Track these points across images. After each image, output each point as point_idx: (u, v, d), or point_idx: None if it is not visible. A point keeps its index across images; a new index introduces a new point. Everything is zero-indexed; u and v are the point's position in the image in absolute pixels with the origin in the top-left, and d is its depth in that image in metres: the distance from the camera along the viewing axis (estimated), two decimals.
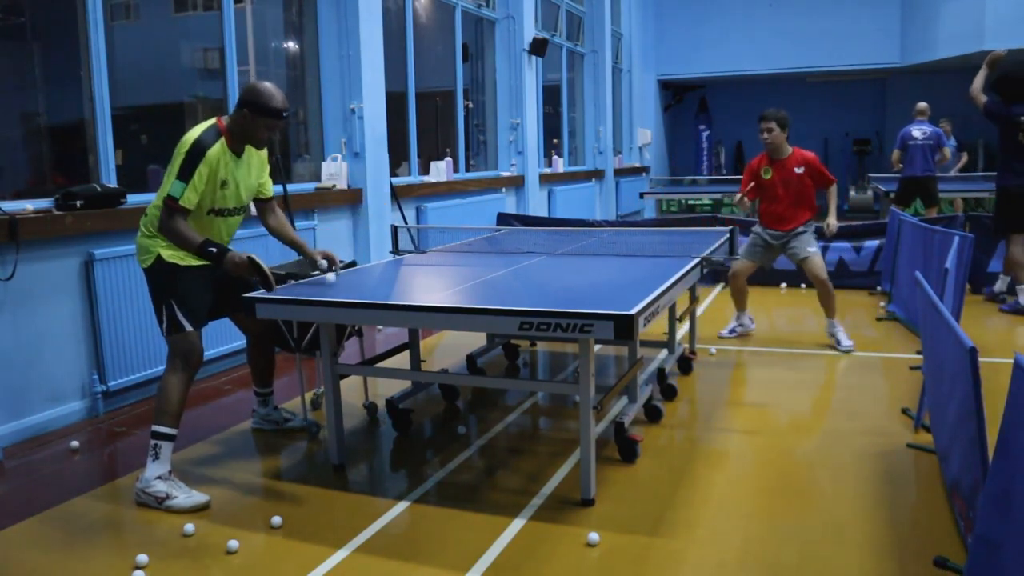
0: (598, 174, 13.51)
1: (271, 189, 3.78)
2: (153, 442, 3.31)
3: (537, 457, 3.77)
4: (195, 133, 3.34)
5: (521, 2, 9.83)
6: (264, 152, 3.67)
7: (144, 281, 3.52)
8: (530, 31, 10.05)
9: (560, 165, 11.85)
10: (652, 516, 3.10)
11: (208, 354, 3.67)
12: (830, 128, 18.03)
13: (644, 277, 3.69)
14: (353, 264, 4.33)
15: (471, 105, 10.13)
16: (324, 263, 3.73)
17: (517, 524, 3.04)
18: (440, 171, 8.41)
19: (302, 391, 4.32)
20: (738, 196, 5.67)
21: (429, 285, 3.91)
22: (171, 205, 3.28)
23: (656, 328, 4.87)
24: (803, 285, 7.74)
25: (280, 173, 5.12)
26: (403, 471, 3.74)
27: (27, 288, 4.10)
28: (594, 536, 2.87)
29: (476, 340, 5.48)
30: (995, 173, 6.70)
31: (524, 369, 5.42)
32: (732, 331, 6.01)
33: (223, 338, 5.06)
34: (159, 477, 3.28)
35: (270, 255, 4.10)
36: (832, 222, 5.64)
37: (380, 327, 6.16)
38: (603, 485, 3.35)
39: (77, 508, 3.31)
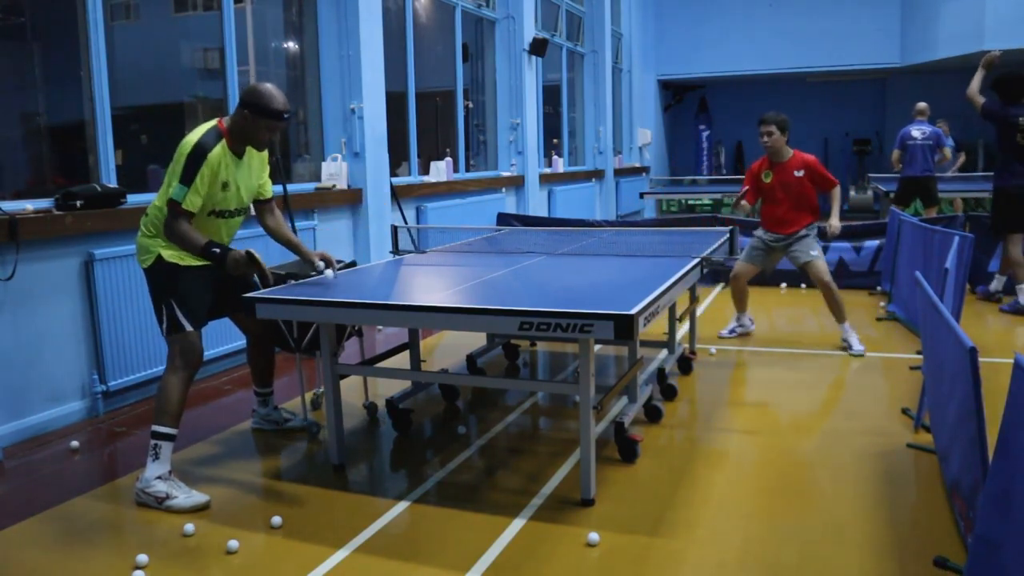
0: (598, 174, 13.51)
1: (270, 190, 3.78)
2: (153, 442, 3.31)
3: (537, 457, 3.77)
4: (196, 135, 3.33)
5: (521, 2, 9.83)
6: (264, 152, 3.67)
7: (144, 281, 3.52)
8: (530, 31, 10.05)
9: (560, 165, 11.85)
10: (652, 516, 3.10)
11: (208, 354, 3.67)
12: (830, 128, 18.03)
13: (644, 277, 3.69)
14: (353, 264, 4.33)
15: (471, 105, 10.13)
16: (321, 264, 3.73)
17: (517, 524, 3.04)
18: (440, 171, 8.41)
19: (302, 391, 4.32)
20: (736, 198, 5.67)
21: (429, 285, 3.91)
22: (174, 209, 3.29)
23: (656, 328, 4.87)
24: (803, 285, 7.75)
25: (280, 173, 5.12)
26: (403, 471, 3.74)
27: (27, 288, 4.10)
28: (594, 536, 2.87)
29: (476, 340, 5.48)
30: (993, 173, 6.72)
31: (524, 369, 5.42)
32: (732, 331, 6.02)
33: (223, 338, 5.06)
34: (159, 477, 3.28)
35: (270, 255, 4.10)
36: (834, 223, 5.59)
37: (380, 327, 6.16)
38: (603, 485, 3.35)
39: (77, 508, 3.31)
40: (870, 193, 14.19)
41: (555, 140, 12.62)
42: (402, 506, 3.24)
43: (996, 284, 6.99)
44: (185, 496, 3.25)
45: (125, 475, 3.64)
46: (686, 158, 19.03)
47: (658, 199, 13.94)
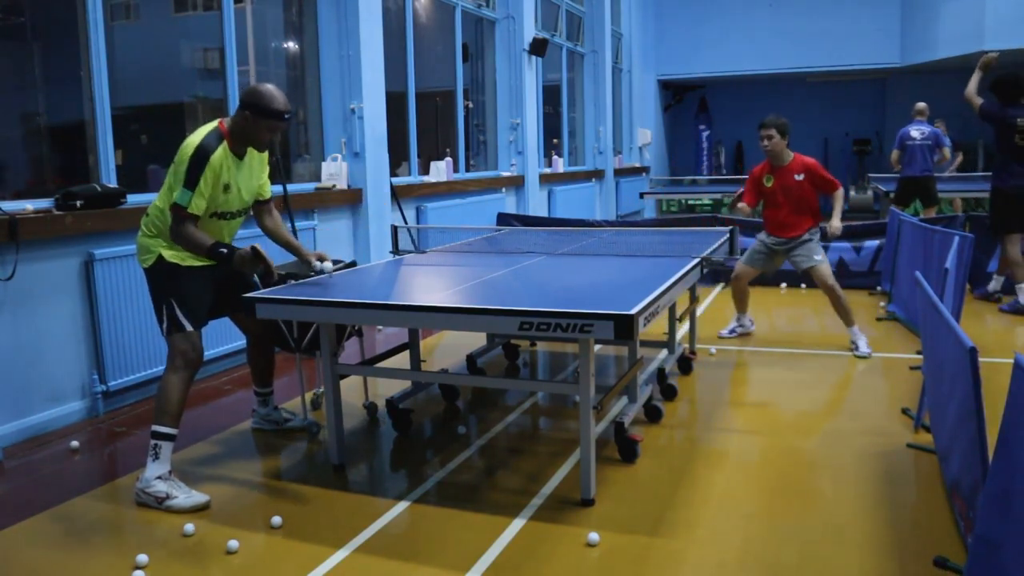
0: (598, 174, 13.51)
1: (269, 190, 3.78)
2: (153, 442, 3.32)
3: (537, 457, 3.77)
4: (197, 138, 3.33)
5: (521, 2, 9.83)
6: (264, 153, 3.67)
7: (144, 281, 3.53)
8: (530, 31, 10.05)
9: (560, 165, 11.85)
10: (652, 516, 3.10)
11: (208, 354, 3.68)
12: (830, 128, 18.03)
13: (644, 277, 3.69)
14: (353, 264, 4.33)
15: (471, 105, 10.13)
16: (318, 264, 3.73)
17: (517, 524, 3.04)
18: (440, 171, 8.41)
19: (302, 391, 4.32)
20: (732, 199, 5.62)
21: (429, 285, 3.91)
22: (180, 213, 3.29)
23: (656, 328, 4.87)
24: (803, 285, 7.75)
25: (280, 173, 5.12)
26: (403, 471, 3.74)
27: (27, 288, 4.10)
28: (594, 536, 2.87)
29: (476, 340, 5.48)
30: (991, 173, 6.74)
31: (524, 369, 5.42)
32: (732, 331, 6.02)
33: (223, 338, 5.06)
34: (159, 477, 3.28)
35: (270, 255, 4.09)
36: (835, 223, 5.52)
37: (380, 327, 6.16)
38: (603, 485, 3.35)
39: (77, 508, 3.31)
40: (870, 193, 14.19)
41: (555, 140, 12.62)
42: (402, 506, 3.24)
43: (995, 284, 7.00)
44: (185, 496, 3.25)
45: (125, 475, 3.64)
46: (686, 158, 19.03)
47: (658, 199, 13.94)
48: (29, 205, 4.29)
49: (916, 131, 8.74)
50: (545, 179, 10.98)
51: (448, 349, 5.88)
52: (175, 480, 3.31)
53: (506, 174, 9.94)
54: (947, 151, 8.98)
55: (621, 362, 5.27)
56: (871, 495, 3.23)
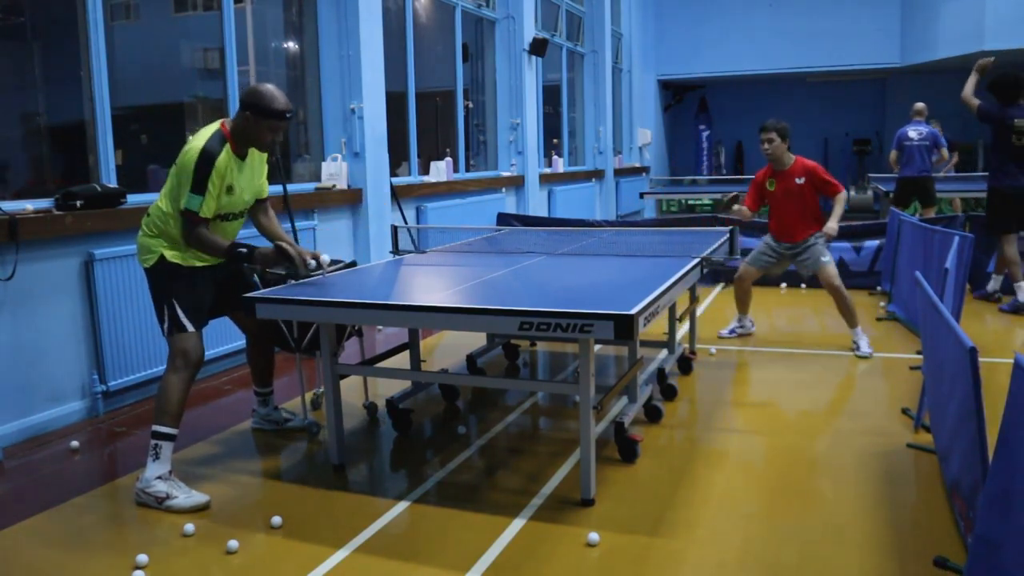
0: (598, 174, 13.51)
1: (267, 189, 3.78)
2: (153, 442, 3.32)
3: (537, 457, 3.77)
4: (200, 141, 3.32)
5: (521, 2, 9.83)
6: (264, 152, 3.66)
7: (144, 281, 3.53)
8: (530, 31, 10.05)
9: (560, 165, 11.85)
10: (652, 516, 3.10)
11: (208, 354, 3.67)
12: (830, 128, 18.03)
13: (644, 277, 3.69)
14: (353, 264, 4.33)
15: (471, 105, 10.13)
16: (313, 263, 3.72)
17: (517, 524, 3.04)
18: (440, 171, 8.41)
19: (302, 391, 4.32)
20: (732, 201, 5.55)
21: (429, 285, 3.91)
22: (192, 219, 3.31)
23: (656, 328, 4.87)
24: (803, 285, 7.76)
25: (280, 173, 5.12)
26: (403, 471, 3.74)
27: (27, 288, 4.10)
28: (594, 536, 2.87)
29: (476, 340, 5.48)
30: (988, 173, 6.76)
31: (524, 369, 5.42)
32: (732, 331, 6.01)
33: (223, 338, 5.06)
34: (159, 477, 3.28)
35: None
36: (831, 225, 5.43)
37: (380, 327, 6.16)
38: (603, 485, 3.35)
39: (77, 508, 3.31)
40: (870, 193, 14.18)
41: (555, 140, 12.62)
42: (402, 506, 3.24)
43: (994, 284, 7.00)
44: (185, 496, 3.25)
45: (125, 475, 3.64)
46: (686, 158, 19.03)
47: (658, 199, 13.95)
48: (29, 205, 4.29)
49: (914, 132, 8.74)
50: (545, 179, 10.98)
51: (448, 349, 5.88)
52: (175, 480, 3.31)
53: (506, 174, 9.94)
54: (945, 152, 8.98)
55: (621, 362, 5.27)
56: (871, 495, 3.23)
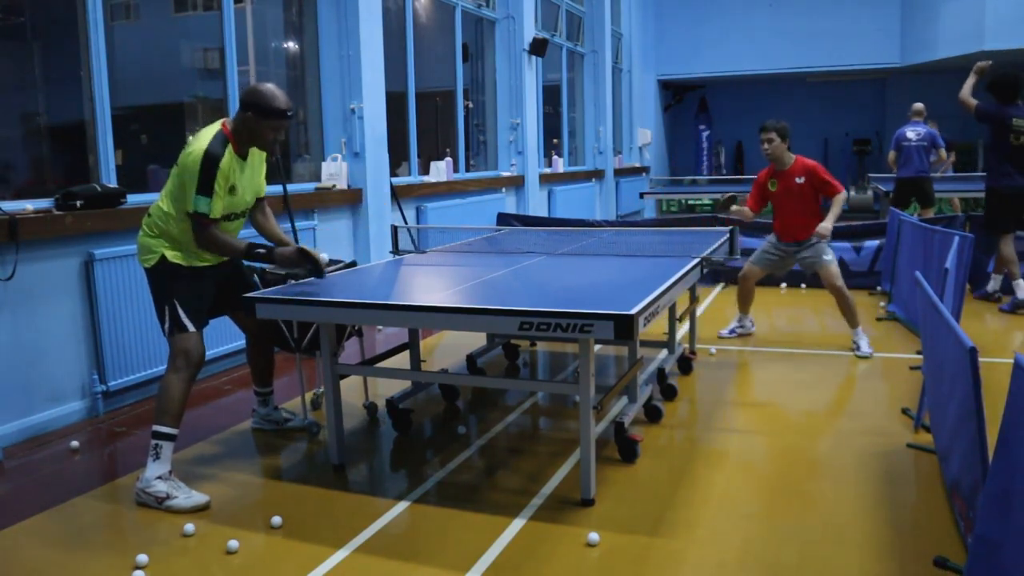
0: (598, 174, 13.51)
1: (264, 188, 3.77)
2: (154, 442, 3.32)
3: (537, 457, 3.77)
4: (203, 143, 3.31)
5: (521, 2, 9.83)
6: (264, 152, 3.66)
7: (144, 281, 3.53)
8: (530, 31, 10.05)
9: (560, 165, 11.85)
10: (652, 516, 3.10)
11: (208, 354, 3.67)
12: (830, 128, 18.04)
13: (644, 277, 3.69)
14: (353, 264, 4.33)
15: (471, 105, 10.14)
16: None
17: (517, 524, 3.04)
18: (440, 171, 8.41)
19: (302, 391, 4.32)
20: (729, 202, 5.53)
21: (429, 285, 3.91)
22: (202, 221, 3.31)
23: (656, 328, 4.87)
24: (803, 285, 7.76)
25: (280, 173, 5.12)
26: (403, 471, 3.74)
27: (27, 288, 4.10)
28: (594, 536, 2.87)
29: (476, 340, 5.48)
30: (985, 173, 6.77)
31: (524, 369, 5.42)
32: (732, 331, 6.01)
33: (223, 338, 5.06)
34: (159, 477, 3.28)
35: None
36: (825, 225, 5.37)
37: (380, 327, 6.16)
38: (603, 485, 3.35)
39: (77, 508, 3.31)
40: (870, 193, 14.18)
41: (555, 140, 12.63)
42: (402, 506, 3.24)
43: (994, 284, 7.00)
44: (185, 496, 3.25)
45: (125, 475, 3.64)
46: (686, 158, 19.04)
47: (658, 199, 13.95)
48: (29, 205, 4.29)
49: (912, 132, 8.74)
50: (545, 179, 10.98)
51: (448, 349, 5.88)
52: (175, 480, 3.31)
53: (506, 174, 9.94)
54: (943, 152, 8.98)
55: (621, 362, 5.27)
56: (871, 495, 3.23)
